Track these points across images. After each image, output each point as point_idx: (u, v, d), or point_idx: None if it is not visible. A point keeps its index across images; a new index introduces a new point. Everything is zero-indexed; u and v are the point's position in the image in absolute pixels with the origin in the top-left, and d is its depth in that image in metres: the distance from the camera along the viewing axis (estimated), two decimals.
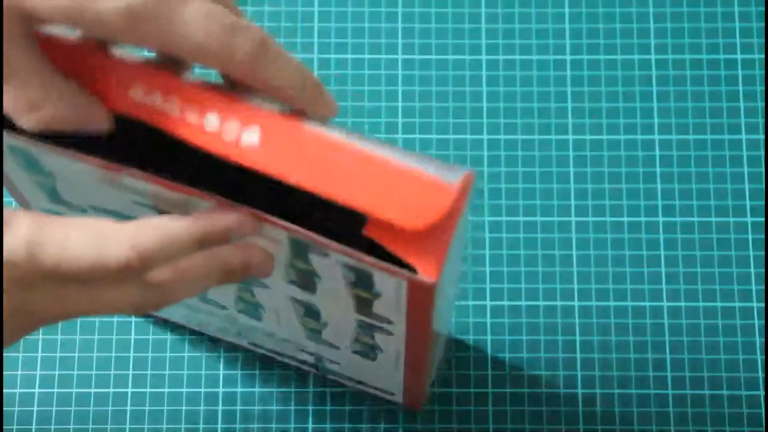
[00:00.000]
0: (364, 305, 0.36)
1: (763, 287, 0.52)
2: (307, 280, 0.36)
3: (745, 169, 0.54)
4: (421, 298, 0.33)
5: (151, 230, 0.31)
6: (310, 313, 0.40)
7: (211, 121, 0.31)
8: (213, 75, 0.56)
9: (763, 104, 0.55)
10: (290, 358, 0.50)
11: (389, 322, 0.37)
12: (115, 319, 0.52)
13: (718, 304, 0.52)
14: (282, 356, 0.50)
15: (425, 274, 0.31)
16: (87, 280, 0.31)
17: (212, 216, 0.32)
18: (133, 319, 0.52)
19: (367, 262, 0.31)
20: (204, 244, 0.32)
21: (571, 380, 0.51)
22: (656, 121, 0.55)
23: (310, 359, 0.48)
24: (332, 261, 0.33)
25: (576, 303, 0.52)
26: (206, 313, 0.47)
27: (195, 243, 0.32)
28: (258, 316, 0.44)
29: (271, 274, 0.35)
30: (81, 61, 0.32)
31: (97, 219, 0.32)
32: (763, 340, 0.52)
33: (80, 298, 0.32)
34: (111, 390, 0.51)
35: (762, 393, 0.51)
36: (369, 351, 0.42)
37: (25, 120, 0.32)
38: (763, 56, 0.55)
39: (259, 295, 0.40)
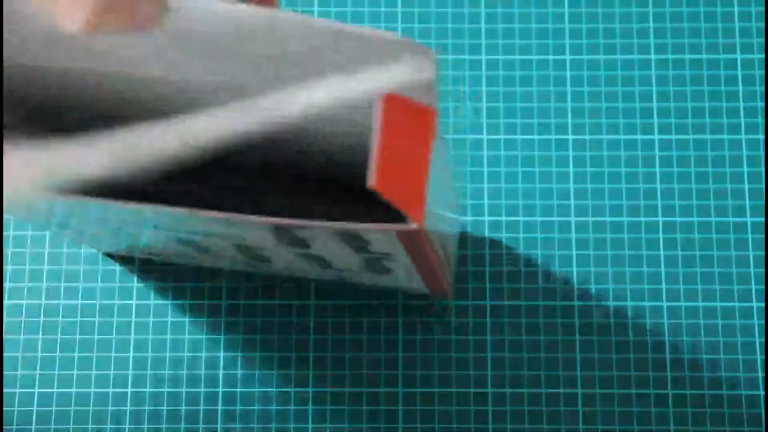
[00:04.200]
0: (360, 249, 0.35)
1: (763, 287, 0.52)
2: (297, 243, 0.35)
3: (745, 169, 0.54)
4: (412, 240, 0.31)
5: None
6: (314, 258, 0.39)
7: None
8: None
9: (763, 104, 0.55)
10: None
11: (390, 255, 0.36)
12: (115, 319, 0.52)
13: (718, 304, 0.52)
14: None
15: (411, 221, 0.28)
16: None
17: None
18: (134, 318, 0.52)
19: (350, 229, 0.29)
20: None
21: (571, 380, 0.51)
22: (656, 121, 0.55)
23: (332, 275, 0.47)
24: (314, 232, 0.32)
25: (576, 303, 0.52)
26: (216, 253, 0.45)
27: None
28: (268, 261, 0.43)
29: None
30: None
31: None
32: (763, 340, 0.52)
33: None
34: (110, 390, 0.51)
35: (762, 393, 0.51)
36: (382, 270, 0.41)
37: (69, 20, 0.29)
38: (763, 56, 0.55)
39: (263, 252, 0.40)
